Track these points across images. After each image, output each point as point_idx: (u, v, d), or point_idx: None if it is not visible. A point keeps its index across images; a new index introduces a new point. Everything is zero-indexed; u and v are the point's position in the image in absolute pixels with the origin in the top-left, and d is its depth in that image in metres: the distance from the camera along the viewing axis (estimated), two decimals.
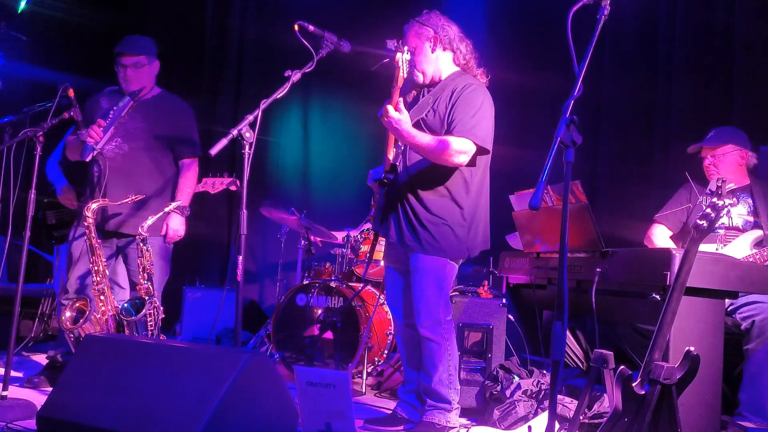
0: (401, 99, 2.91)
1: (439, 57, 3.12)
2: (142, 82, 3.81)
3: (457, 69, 3.16)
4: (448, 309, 3.10)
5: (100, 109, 3.74)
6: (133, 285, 3.72)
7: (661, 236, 3.78)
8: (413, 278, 3.07)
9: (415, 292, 3.05)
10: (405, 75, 2.92)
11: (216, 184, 4.23)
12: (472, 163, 3.01)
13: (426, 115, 3.07)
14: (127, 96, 3.73)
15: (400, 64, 2.90)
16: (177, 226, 3.79)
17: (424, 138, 2.94)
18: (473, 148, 2.95)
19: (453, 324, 3.13)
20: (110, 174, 3.67)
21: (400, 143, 3.09)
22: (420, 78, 3.14)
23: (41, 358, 4.39)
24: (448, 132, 2.98)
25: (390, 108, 2.87)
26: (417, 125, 3.05)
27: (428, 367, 3.07)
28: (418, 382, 3.18)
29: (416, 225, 3.04)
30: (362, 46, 3.00)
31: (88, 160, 3.68)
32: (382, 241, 4.16)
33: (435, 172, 3.02)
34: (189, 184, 3.89)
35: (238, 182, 2.62)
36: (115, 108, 3.69)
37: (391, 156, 3.09)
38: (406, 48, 2.94)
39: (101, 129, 3.60)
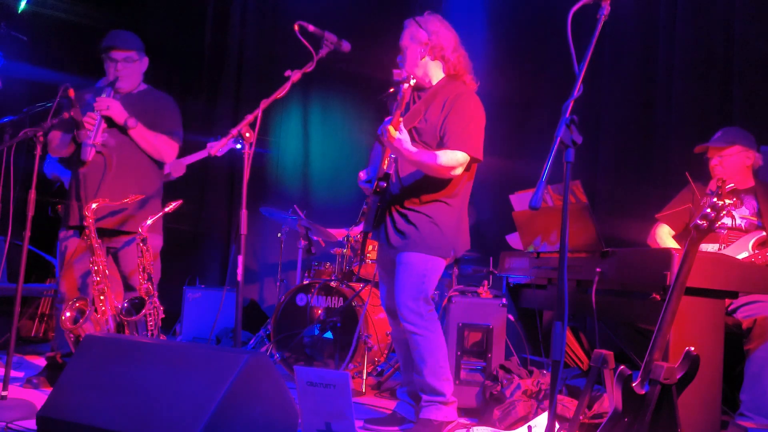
0: (402, 119, 2.93)
1: (427, 63, 3.14)
2: (133, 77, 3.79)
3: (446, 75, 3.17)
4: (430, 305, 3.09)
5: (85, 105, 3.67)
6: (128, 287, 3.71)
7: (665, 236, 3.76)
8: (396, 272, 3.09)
9: (396, 286, 3.08)
10: (406, 101, 2.96)
11: (219, 147, 4.19)
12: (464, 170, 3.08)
13: (418, 124, 3.10)
14: (106, 86, 3.70)
15: (407, 93, 2.93)
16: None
17: (423, 155, 2.98)
18: (467, 160, 3.02)
19: (437, 317, 3.13)
20: (99, 171, 3.65)
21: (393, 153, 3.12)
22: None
23: (41, 359, 4.40)
24: (441, 143, 3.03)
25: (391, 128, 2.90)
26: (409, 134, 3.06)
27: (418, 362, 3.07)
28: (411, 382, 3.19)
29: (403, 225, 3.08)
30: (370, 70, 2.95)
31: (90, 159, 3.66)
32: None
33: (427, 180, 3.06)
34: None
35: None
36: (96, 100, 3.64)
37: (385, 165, 3.12)
38: (412, 77, 2.97)
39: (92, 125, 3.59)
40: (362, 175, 3.25)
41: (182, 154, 4.37)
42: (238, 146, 4.16)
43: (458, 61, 3.15)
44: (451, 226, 3.09)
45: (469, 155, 3.01)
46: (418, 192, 3.09)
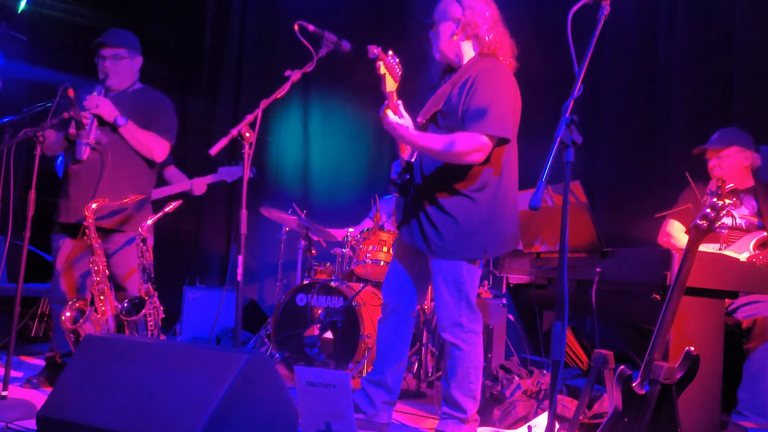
0: (400, 102, 2.81)
1: (459, 42, 2.91)
2: (122, 75, 3.77)
3: (478, 54, 2.93)
4: (474, 313, 2.92)
5: (81, 104, 3.65)
6: (118, 287, 3.70)
7: (676, 231, 3.72)
8: (433, 282, 2.96)
9: (435, 296, 2.95)
10: (396, 79, 2.79)
11: (232, 173, 4.20)
12: (490, 156, 2.81)
13: (443, 107, 2.88)
14: (97, 85, 3.70)
15: (382, 72, 2.75)
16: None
17: (429, 140, 2.81)
18: (486, 143, 2.74)
19: (480, 330, 2.95)
20: (91, 169, 3.65)
21: None
22: (437, 56, 3.00)
23: (41, 359, 4.39)
24: (461, 125, 2.80)
25: (389, 112, 2.77)
26: (433, 118, 2.92)
27: (448, 372, 2.94)
28: (382, 371, 3.07)
29: (426, 225, 2.89)
30: (370, 69, 2.80)
31: (85, 158, 3.65)
32: (382, 236, 4.14)
33: (450, 168, 2.83)
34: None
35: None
36: (86, 98, 3.64)
37: (405, 154, 2.98)
38: (390, 52, 2.76)
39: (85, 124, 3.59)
40: (394, 165, 3.05)
41: (186, 165, 4.39)
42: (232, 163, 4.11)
43: (494, 40, 2.88)
44: (476, 225, 2.83)
45: (489, 135, 2.72)
46: (442, 184, 2.86)
